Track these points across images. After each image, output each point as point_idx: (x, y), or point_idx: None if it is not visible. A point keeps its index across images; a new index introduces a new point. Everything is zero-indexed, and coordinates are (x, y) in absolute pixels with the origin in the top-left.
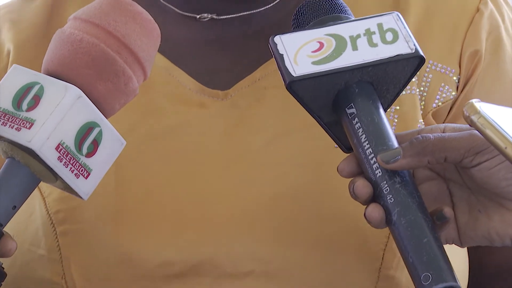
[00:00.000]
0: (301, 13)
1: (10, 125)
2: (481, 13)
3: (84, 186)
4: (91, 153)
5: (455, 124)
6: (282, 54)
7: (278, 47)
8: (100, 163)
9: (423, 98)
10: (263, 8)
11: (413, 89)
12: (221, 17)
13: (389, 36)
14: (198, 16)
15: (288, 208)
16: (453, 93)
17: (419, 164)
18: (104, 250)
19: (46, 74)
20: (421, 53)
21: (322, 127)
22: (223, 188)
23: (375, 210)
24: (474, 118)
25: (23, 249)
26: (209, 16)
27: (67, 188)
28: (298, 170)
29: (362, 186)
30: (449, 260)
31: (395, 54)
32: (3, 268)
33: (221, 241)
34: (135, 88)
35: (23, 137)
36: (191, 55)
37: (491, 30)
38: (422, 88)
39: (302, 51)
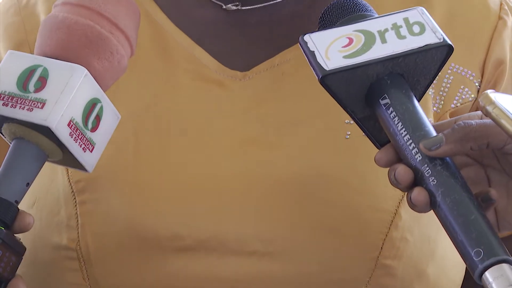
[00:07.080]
0: (327, 14)
1: (20, 106)
2: (504, 21)
3: (90, 159)
4: (94, 127)
5: None
6: (313, 51)
7: (309, 45)
8: (102, 137)
9: (442, 98)
10: None
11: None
12: (246, 7)
13: (416, 29)
14: (224, 7)
15: (294, 192)
16: (472, 95)
17: (462, 150)
18: (118, 220)
19: None
20: (449, 41)
21: (355, 122)
22: (235, 167)
23: (421, 194)
24: (489, 108)
25: (42, 214)
26: (235, 7)
27: (70, 163)
28: (307, 156)
29: (404, 172)
30: (498, 236)
31: (424, 44)
32: (22, 243)
33: (228, 219)
34: (125, 66)
35: (38, 116)
36: (213, 36)
37: None
38: (442, 89)
39: (332, 47)
